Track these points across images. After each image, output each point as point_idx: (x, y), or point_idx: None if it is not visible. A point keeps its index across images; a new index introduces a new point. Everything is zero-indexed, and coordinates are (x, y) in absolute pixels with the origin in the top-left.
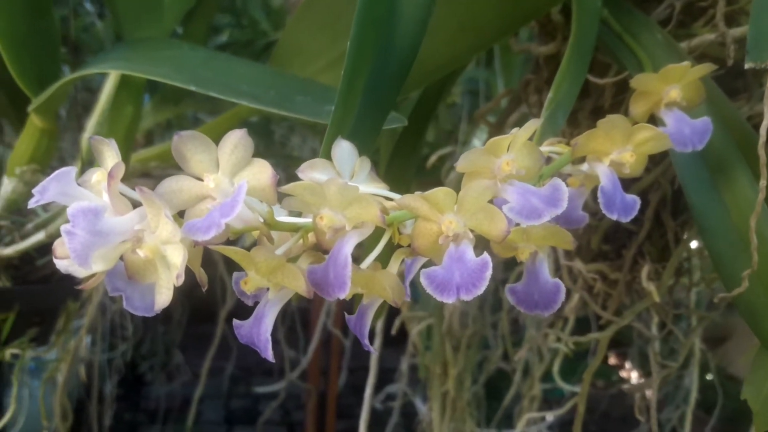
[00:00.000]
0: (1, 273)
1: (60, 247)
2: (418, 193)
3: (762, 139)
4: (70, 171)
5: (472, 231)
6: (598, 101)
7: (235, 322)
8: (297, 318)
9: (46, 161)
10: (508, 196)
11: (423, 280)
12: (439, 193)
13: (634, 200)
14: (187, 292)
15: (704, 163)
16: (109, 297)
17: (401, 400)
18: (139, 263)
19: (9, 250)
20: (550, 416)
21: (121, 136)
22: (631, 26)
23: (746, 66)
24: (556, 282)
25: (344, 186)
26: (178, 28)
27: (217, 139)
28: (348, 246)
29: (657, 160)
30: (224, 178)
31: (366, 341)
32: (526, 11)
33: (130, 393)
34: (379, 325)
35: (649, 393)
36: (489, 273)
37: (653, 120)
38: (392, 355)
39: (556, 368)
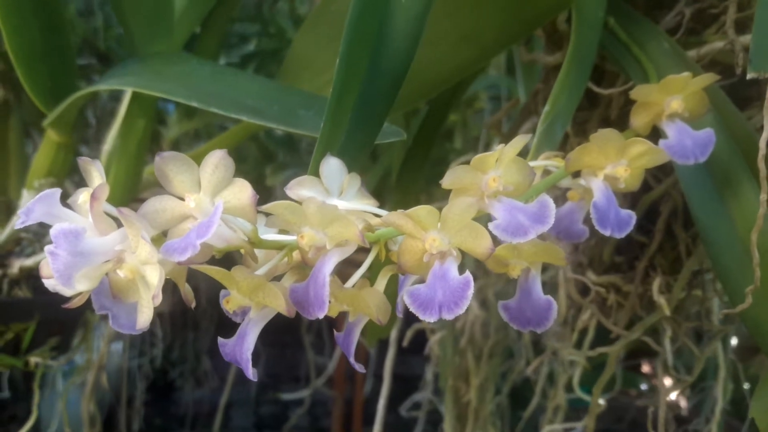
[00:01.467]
0: (22, 284)
1: (45, 267)
2: (401, 210)
3: (762, 152)
4: (55, 193)
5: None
6: (606, 112)
7: (220, 340)
8: (323, 325)
9: (63, 174)
10: (495, 213)
11: (406, 299)
12: (421, 210)
13: (629, 215)
14: (214, 300)
15: (709, 176)
16: None
17: (426, 408)
18: (122, 283)
19: (30, 262)
20: (576, 427)
21: (133, 149)
22: (637, 35)
23: (748, 76)
24: (548, 299)
25: (323, 205)
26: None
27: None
28: (328, 265)
29: (668, 170)
30: (206, 198)
31: (352, 358)
32: (527, 22)
33: (160, 398)
34: (393, 334)
35: (672, 400)
36: (471, 291)
37: (656, 131)
38: (418, 363)
39: (576, 379)
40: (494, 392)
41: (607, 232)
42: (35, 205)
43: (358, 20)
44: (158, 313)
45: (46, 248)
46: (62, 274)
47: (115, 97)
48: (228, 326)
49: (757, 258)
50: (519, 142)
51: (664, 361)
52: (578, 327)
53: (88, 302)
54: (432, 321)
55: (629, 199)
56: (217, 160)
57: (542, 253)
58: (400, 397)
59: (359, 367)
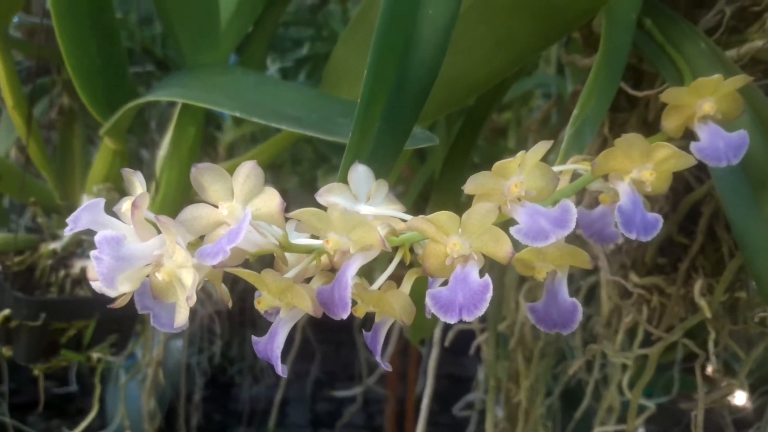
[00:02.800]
0: (83, 283)
1: (91, 270)
2: (422, 216)
3: None
4: (99, 202)
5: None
6: (645, 113)
7: (254, 338)
8: None
9: (120, 180)
10: (518, 218)
11: (428, 301)
12: (442, 216)
13: (656, 219)
14: None
15: (745, 178)
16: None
17: (479, 408)
18: (162, 284)
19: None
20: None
21: (185, 155)
22: (674, 36)
23: None
24: (573, 301)
25: (345, 211)
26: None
27: (272, 157)
28: (352, 268)
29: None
30: (238, 206)
31: (379, 357)
32: (561, 26)
33: (219, 395)
34: (437, 335)
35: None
36: (490, 294)
37: (691, 133)
38: (472, 363)
39: (625, 382)
40: (545, 394)
41: (632, 236)
42: (82, 214)
43: (386, 31)
44: (216, 311)
45: (92, 253)
46: (106, 277)
47: (174, 102)
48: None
49: None
50: (541, 148)
51: (702, 363)
52: (622, 329)
53: None
54: (453, 322)
55: (671, 201)
56: (248, 171)
57: (567, 257)
58: (453, 397)
59: (386, 366)
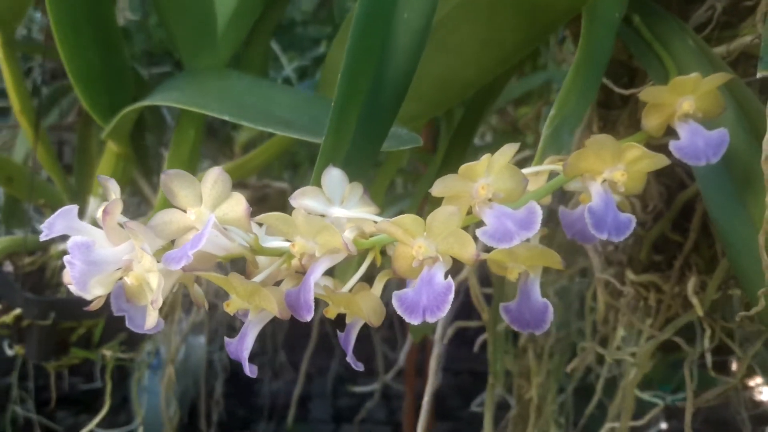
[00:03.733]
0: None
1: (66, 275)
2: (388, 219)
3: (765, 154)
4: (73, 209)
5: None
6: (637, 110)
7: (226, 339)
8: (395, 319)
9: (125, 181)
10: (485, 219)
11: (394, 302)
12: (406, 219)
13: (629, 219)
14: None
15: (729, 176)
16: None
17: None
18: (134, 288)
19: None
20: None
21: (185, 158)
22: (662, 33)
23: (758, 75)
24: (545, 302)
25: (310, 216)
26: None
27: (272, 157)
28: (317, 271)
29: None
30: (206, 211)
31: (350, 356)
32: (544, 25)
33: (241, 390)
34: (439, 332)
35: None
36: (451, 296)
37: (671, 132)
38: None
39: (633, 379)
40: (558, 390)
41: (603, 236)
42: (56, 220)
43: (362, 35)
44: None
45: (65, 258)
46: (78, 281)
47: None
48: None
49: (766, 260)
50: (509, 150)
51: (690, 363)
52: (620, 326)
53: None
54: (416, 323)
55: (665, 198)
56: (215, 177)
57: (538, 257)
58: (474, 392)
59: (357, 366)
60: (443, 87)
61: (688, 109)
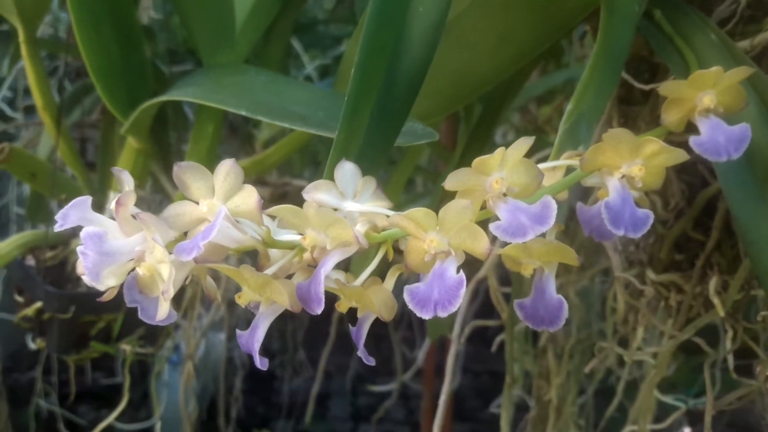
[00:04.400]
0: None
1: (80, 265)
2: (401, 212)
3: None
4: (87, 200)
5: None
6: (658, 106)
7: (238, 332)
8: (414, 319)
9: (144, 177)
10: (499, 214)
11: (406, 296)
12: (418, 213)
13: (647, 215)
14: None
15: (751, 172)
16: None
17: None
18: (146, 278)
19: None
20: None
21: (203, 153)
22: (684, 27)
23: None
24: (560, 298)
25: (320, 209)
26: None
27: (289, 153)
28: (327, 265)
29: None
30: (218, 203)
31: (362, 350)
32: (559, 20)
33: (261, 388)
34: (456, 330)
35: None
36: (463, 290)
37: (693, 128)
38: None
39: (653, 380)
40: (579, 392)
41: (620, 232)
42: (70, 211)
43: (376, 29)
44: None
45: (78, 248)
46: (91, 272)
47: None
48: (320, 319)
49: None
50: (523, 144)
51: (712, 365)
52: (640, 326)
53: None
54: (427, 317)
55: (686, 196)
56: (227, 169)
57: (553, 253)
58: (494, 393)
59: (369, 360)
60: (460, 83)
61: (708, 104)
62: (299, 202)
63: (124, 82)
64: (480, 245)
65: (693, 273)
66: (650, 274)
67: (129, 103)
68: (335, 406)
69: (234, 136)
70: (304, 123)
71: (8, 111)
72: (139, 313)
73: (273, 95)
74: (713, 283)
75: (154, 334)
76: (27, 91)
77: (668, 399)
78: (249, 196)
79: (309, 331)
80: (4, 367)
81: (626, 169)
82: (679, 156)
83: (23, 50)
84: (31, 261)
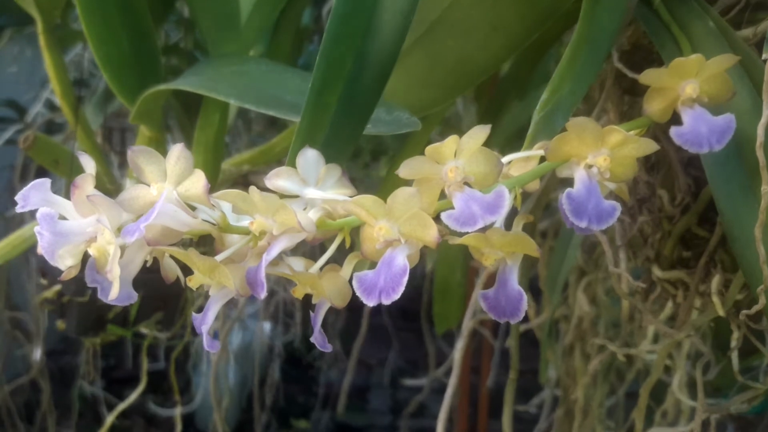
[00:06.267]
0: None
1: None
2: (350, 198)
3: (760, 140)
4: (45, 182)
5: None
6: None
7: (194, 315)
8: None
9: None
10: (454, 203)
11: (354, 283)
12: (366, 200)
13: (613, 207)
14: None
15: (740, 164)
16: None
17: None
18: (102, 259)
19: None
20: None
21: (211, 142)
22: (682, 14)
23: (763, 57)
24: (520, 290)
25: (266, 195)
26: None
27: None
28: (274, 250)
29: None
30: (168, 186)
31: (318, 335)
32: (546, 9)
33: (300, 377)
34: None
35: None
36: (405, 278)
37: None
38: None
39: (676, 383)
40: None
41: (583, 224)
42: (30, 192)
43: (344, 16)
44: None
45: (35, 228)
46: (47, 251)
47: None
48: (356, 308)
49: (763, 255)
50: (479, 132)
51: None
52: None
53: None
54: (372, 305)
55: (691, 191)
56: (178, 153)
57: (514, 244)
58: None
59: (326, 348)
60: (458, 71)
61: (691, 93)
62: None
63: (134, 70)
64: (429, 233)
65: (697, 270)
66: (656, 271)
67: (139, 92)
68: (375, 398)
69: (273, 128)
70: (294, 112)
71: (56, 102)
72: (99, 293)
73: (269, 84)
74: (715, 281)
75: (171, 319)
76: (76, 83)
77: (692, 402)
78: (197, 181)
79: (346, 323)
80: (56, 350)
81: (592, 159)
82: (648, 147)
83: (41, 40)
84: None
